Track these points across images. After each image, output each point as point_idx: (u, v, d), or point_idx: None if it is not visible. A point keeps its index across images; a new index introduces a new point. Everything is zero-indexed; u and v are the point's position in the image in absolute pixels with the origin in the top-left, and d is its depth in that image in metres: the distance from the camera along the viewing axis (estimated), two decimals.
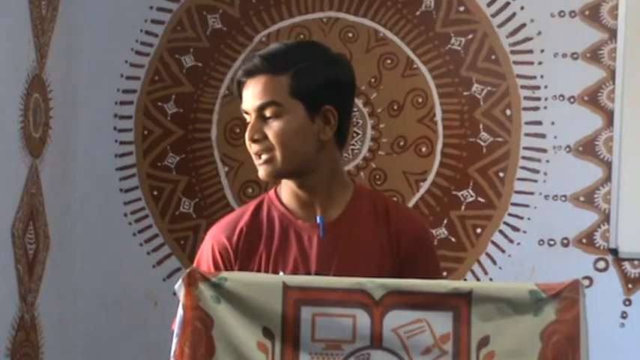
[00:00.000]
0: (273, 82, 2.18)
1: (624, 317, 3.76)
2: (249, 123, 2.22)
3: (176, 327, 1.97)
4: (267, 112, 2.19)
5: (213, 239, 2.28)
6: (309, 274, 2.22)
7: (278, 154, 2.19)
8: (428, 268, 2.27)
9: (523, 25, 3.83)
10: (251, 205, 2.31)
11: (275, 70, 2.18)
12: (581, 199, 3.79)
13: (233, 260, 2.25)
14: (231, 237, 2.26)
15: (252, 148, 2.22)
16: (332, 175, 2.25)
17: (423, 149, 3.89)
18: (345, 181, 2.30)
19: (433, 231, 3.85)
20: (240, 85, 2.23)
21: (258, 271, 2.23)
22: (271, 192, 2.31)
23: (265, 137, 2.19)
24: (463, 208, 3.86)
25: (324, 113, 2.21)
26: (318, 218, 2.24)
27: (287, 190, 2.27)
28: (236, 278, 2.01)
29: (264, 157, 2.20)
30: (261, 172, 2.22)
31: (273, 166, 2.20)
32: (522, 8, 3.83)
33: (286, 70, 2.18)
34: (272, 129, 2.18)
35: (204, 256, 2.29)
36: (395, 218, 2.27)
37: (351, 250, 2.24)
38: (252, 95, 2.20)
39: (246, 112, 2.23)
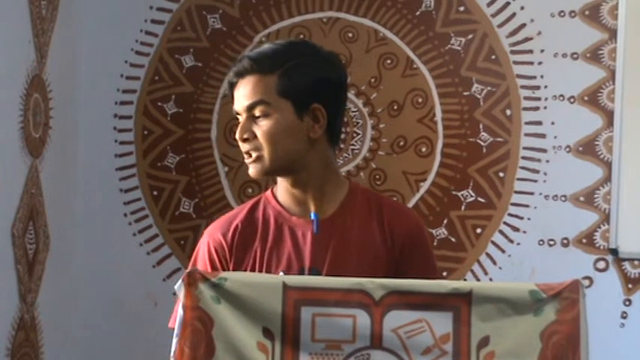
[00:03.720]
0: (262, 81, 2.22)
1: (624, 317, 3.76)
2: (239, 122, 2.26)
3: (176, 327, 1.98)
4: (256, 112, 2.22)
5: (209, 236, 2.32)
6: (302, 268, 2.24)
7: (266, 152, 2.22)
8: (423, 264, 2.29)
9: (523, 25, 3.83)
10: (248, 204, 2.35)
11: (263, 70, 2.22)
12: (581, 199, 3.79)
13: (228, 256, 2.28)
14: (226, 234, 2.29)
15: (243, 147, 2.26)
16: (324, 172, 2.28)
17: (423, 149, 3.89)
18: (339, 179, 2.32)
19: (433, 231, 3.85)
20: (231, 87, 2.28)
21: (253, 266, 2.26)
22: (268, 192, 2.35)
23: (255, 136, 2.23)
24: (463, 208, 3.86)
25: (312, 112, 2.23)
26: (312, 214, 2.26)
27: (282, 188, 2.31)
28: (236, 278, 2.01)
29: (253, 155, 2.24)
30: (251, 170, 2.26)
31: (261, 164, 2.24)
32: (522, 8, 3.83)
33: (274, 70, 2.21)
34: (261, 128, 2.22)
35: (201, 253, 2.32)
36: (388, 215, 2.29)
37: (344, 246, 2.25)
38: (241, 95, 2.24)
39: (237, 113, 2.27)
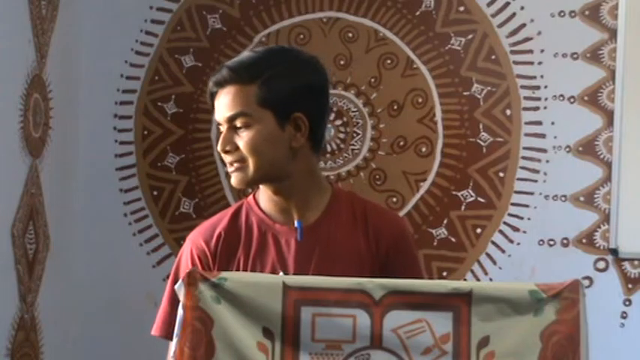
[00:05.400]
0: (242, 92, 2.21)
1: (624, 317, 3.76)
2: (222, 133, 2.25)
3: (176, 327, 1.98)
4: (238, 123, 2.22)
5: (192, 244, 2.31)
6: None
7: (249, 164, 2.22)
8: (409, 268, 2.29)
9: (523, 25, 3.83)
10: (230, 211, 2.34)
11: (243, 81, 2.21)
12: (581, 199, 3.79)
13: (212, 264, 2.27)
14: (209, 241, 2.29)
15: (225, 158, 2.25)
16: (308, 180, 2.27)
17: (423, 149, 3.89)
18: (322, 185, 2.31)
19: (433, 231, 3.85)
20: (211, 96, 2.28)
21: None
22: (250, 197, 2.34)
23: (237, 148, 2.22)
24: (463, 208, 3.86)
25: (294, 120, 2.23)
26: (296, 222, 2.26)
27: (264, 195, 2.30)
28: (236, 278, 2.01)
29: (235, 165, 2.23)
30: (233, 179, 2.25)
31: (244, 174, 2.23)
32: (522, 8, 3.83)
33: (254, 80, 2.21)
34: (242, 139, 2.22)
35: (184, 260, 2.32)
36: (373, 220, 2.29)
37: (328, 253, 2.25)
38: (222, 106, 2.24)
39: (219, 123, 2.26)
